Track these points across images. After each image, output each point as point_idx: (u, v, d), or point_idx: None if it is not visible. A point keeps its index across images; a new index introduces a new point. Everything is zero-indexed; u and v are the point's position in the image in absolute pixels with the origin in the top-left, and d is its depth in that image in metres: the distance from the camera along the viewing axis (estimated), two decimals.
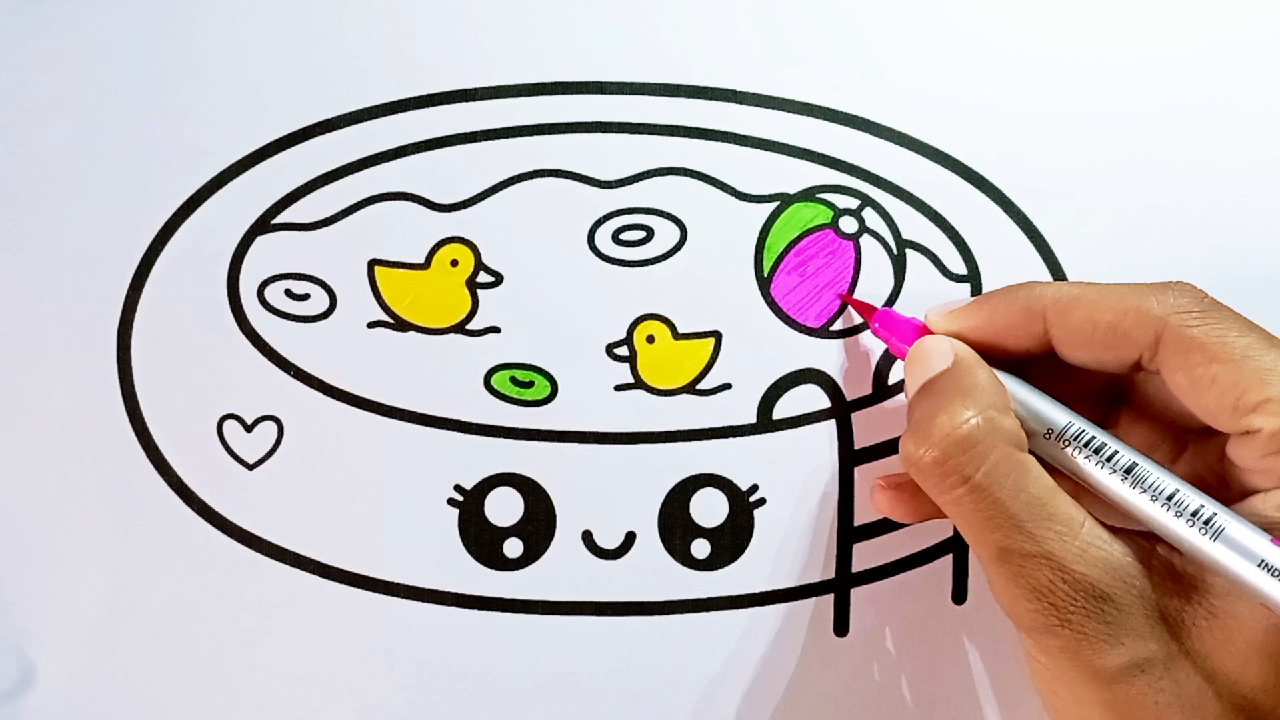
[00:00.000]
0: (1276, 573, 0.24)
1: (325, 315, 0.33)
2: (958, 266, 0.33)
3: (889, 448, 0.33)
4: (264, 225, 0.33)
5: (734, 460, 0.33)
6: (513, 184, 0.33)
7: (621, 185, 0.33)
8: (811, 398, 0.33)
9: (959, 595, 0.34)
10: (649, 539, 0.33)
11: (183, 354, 0.32)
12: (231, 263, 0.33)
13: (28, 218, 0.32)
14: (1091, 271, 0.34)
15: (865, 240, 0.33)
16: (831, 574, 0.33)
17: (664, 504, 0.33)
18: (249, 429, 0.32)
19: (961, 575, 0.34)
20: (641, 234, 0.33)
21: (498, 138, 0.33)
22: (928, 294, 0.33)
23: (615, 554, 0.33)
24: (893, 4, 0.33)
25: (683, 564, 0.33)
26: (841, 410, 0.33)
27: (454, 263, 0.33)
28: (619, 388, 0.33)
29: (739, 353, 0.33)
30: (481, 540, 0.33)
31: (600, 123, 0.33)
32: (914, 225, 0.33)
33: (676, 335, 0.33)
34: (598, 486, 0.33)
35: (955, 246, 0.33)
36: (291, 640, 0.32)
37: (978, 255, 0.33)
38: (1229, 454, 0.27)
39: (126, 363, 0.32)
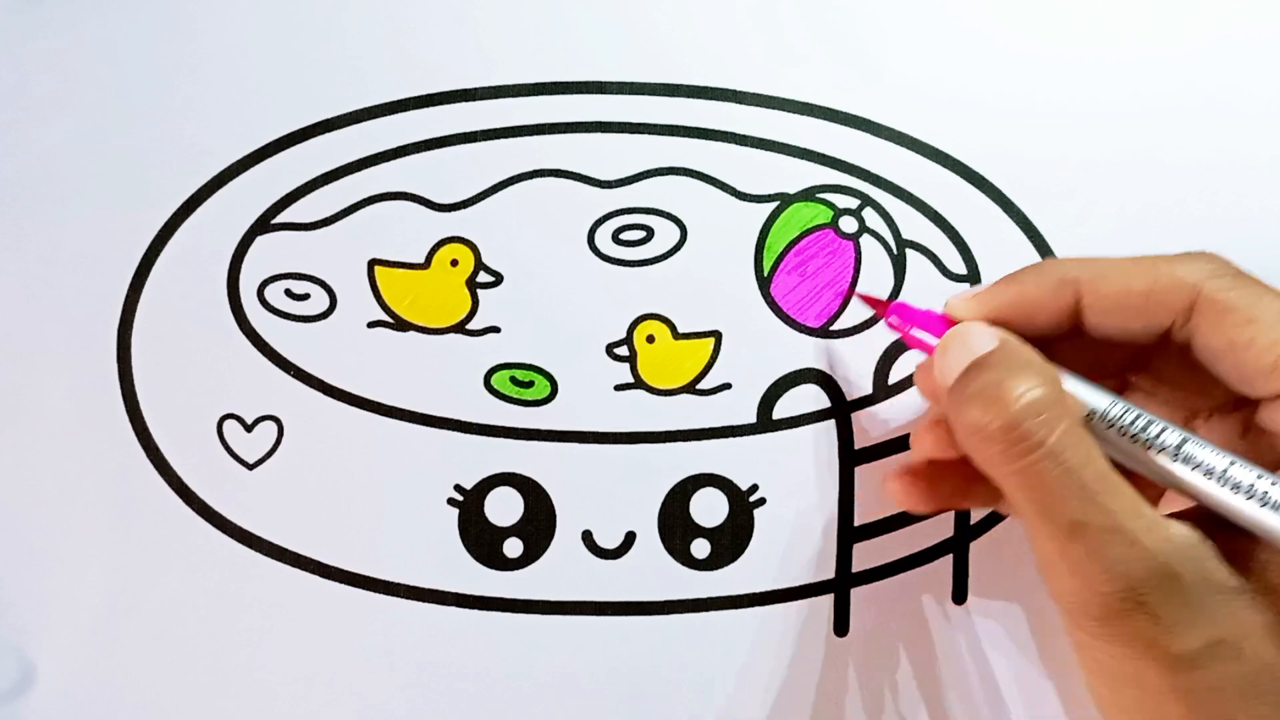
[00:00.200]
0: None
1: (325, 315, 0.33)
2: (958, 266, 0.33)
3: (889, 448, 0.33)
4: (264, 225, 0.33)
5: (734, 460, 0.33)
6: (513, 184, 0.33)
7: (621, 185, 0.33)
8: (811, 398, 0.33)
9: (959, 595, 0.34)
10: (649, 539, 0.33)
11: (183, 354, 0.32)
12: (231, 263, 0.33)
13: (28, 218, 0.32)
14: None
15: (865, 240, 0.33)
16: (831, 574, 0.33)
17: (664, 504, 0.33)
18: (249, 429, 0.32)
19: (961, 575, 0.34)
20: (641, 234, 0.33)
21: (498, 138, 0.33)
22: (928, 294, 0.33)
23: (615, 554, 0.33)
24: (893, 4, 0.33)
25: (683, 564, 0.33)
26: (841, 410, 0.33)
27: (454, 262, 0.33)
28: (619, 387, 0.33)
29: (739, 352, 0.33)
30: (481, 540, 0.33)
31: (600, 123, 0.33)
32: (914, 225, 0.33)
33: (676, 335, 0.33)
34: (598, 486, 0.33)
35: (955, 246, 0.33)
36: (291, 640, 0.32)
37: (978, 255, 0.33)
38: (1261, 420, 0.26)
39: (126, 363, 0.32)
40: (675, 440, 0.33)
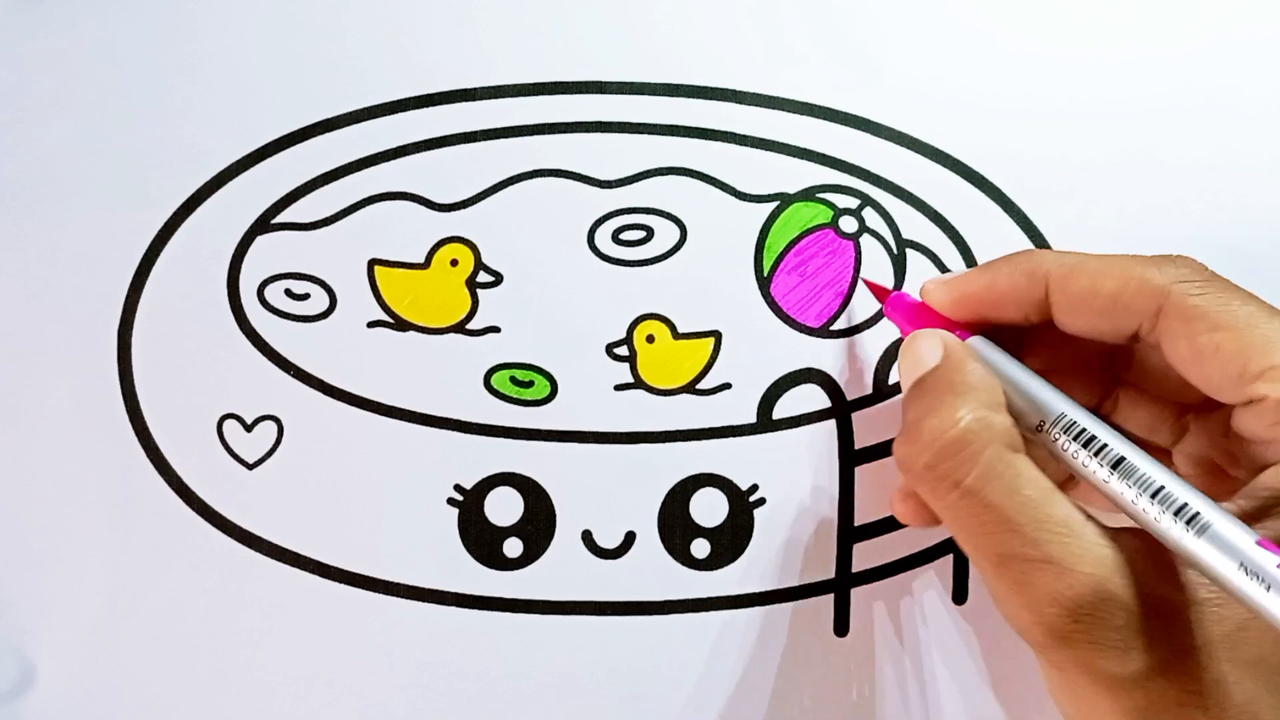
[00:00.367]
0: (1256, 575, 0.23)
1: (325, 315, 0.33)
2: (958, 266, 0.33)
3: (889, 448, 0.33)
4: (264, 225, 0.33)
5: (734, 460, 0.33)
6: (512, 184, 0.33)
7: (621, 185, 0.33)
8: (811, 398, 0.33)
9: (959, 595, 0.34)
10: (649, 539, 0.33)
11: (183, 354, 0.32)
12: (231, 263, 0.33)
13: (28, 218, 0.32)
14: None
15: (865, 240, 0.33)
16: (831, 574, 0.33)
17: (664, 504, 0.33)
18: (249, 429, 0.32)
19: (962, 575, 0.34)
20: (641, 234, 0.33)
21: (497, 137, 0.33)
22: None
23: (615, 554, 0.33)
24: (893, 4, 0.33)
25: (682, 564, 0.33)
26: (841, 410, 0.33)
27: (454, 262, 0.33)
28: (619, 387, 0.33)
29: (739, 352, 0.33)
30: (481, 540, 0.33)
31: (600, 122, 0.33)
32: (914, 225, 0.33)
33: (676, 335, 0.33)
34: (598, 486, 0.33)
35: (955, 246, 0.33)
36: (291, 640, 0.32)
37: (978, 255, 0.33)
38: (1235, 426, 0.26)
39: (126, 363, 0.32)
40: (675, 440, 0.33)
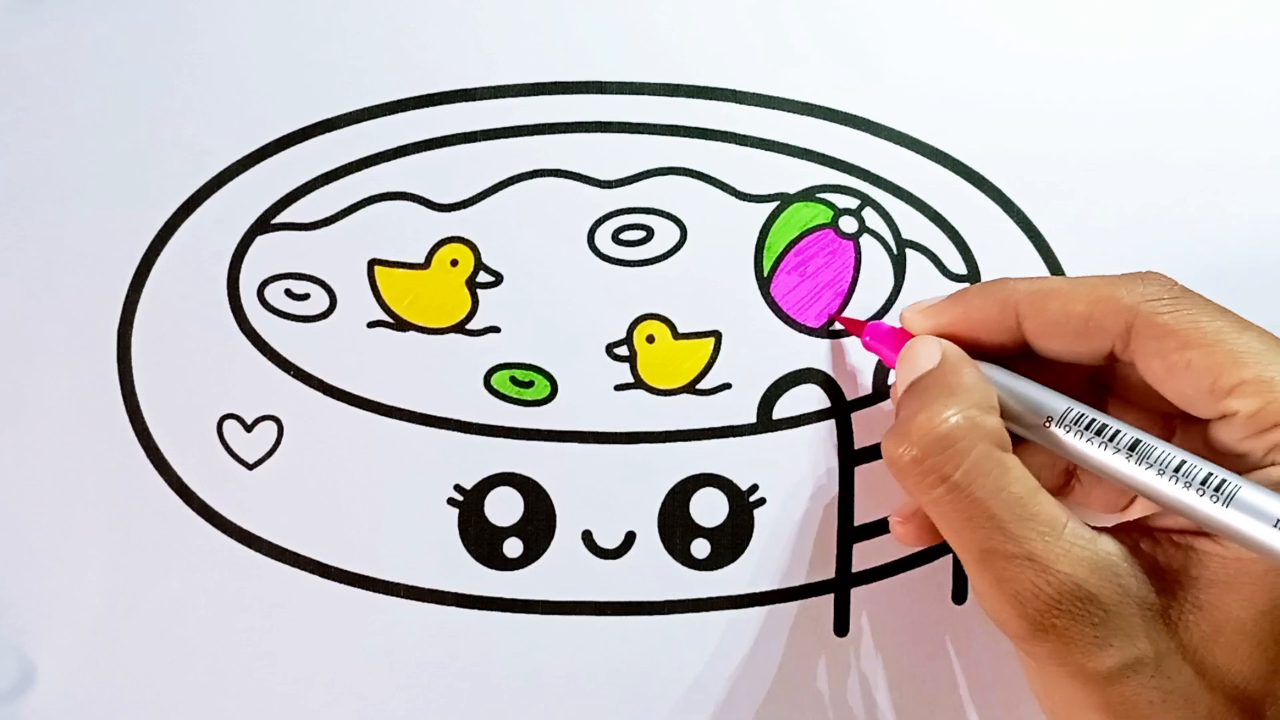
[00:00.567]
0: None
1: (325, 315, 0.33)
2: (958, 266, 0.33)
3: None
4: (264, 225, 0.33)
5: (734, 460, 0.33)
6: (512, 184, 0.33)
7: (621, 185, 0.33)
8: (811, 398, 0.33)
9: (959, 595, 0.34)
10: (649, 539, 0.33)
11: (183, 354, 0.32)
12: (231, 263, 0.33)
13: (28, 218, 0.32)
14: (1090, 270, 0.34)
15: (865, 240, 0.33)
16: (831, 574, 0.33)
17: (664, 504, 0.33)
18: (249, 429, 0.32)
19: (961, 575, 0.34)
20: (641, 234, 0.33)
21: (497, 137, 0.33)
22: (928, 294, 0.33)
23: (615, 554, 0.33)
24: (893, 4, 0.33)
25: (682, 564, 0.33)
26: (841, 410, 0.33)
27: (454, 262, 0.33)
28: (619, 387, 0.33)
29: (739, 352, 0.33)
30: (481, 540, 0.33)
31: (600, 123, 0.33)
32: (914, 225, 0.33)
33: (676, 335, 0.33)
34: (598, 486, 0.33)
35: (955, 246, 0.33)
36: (291, 640, 0.32)
37: (977, 255, 0.33)
38: (1211, 439, 0.26)
39: (126, 363, 0.32)
40: (675, 440, 0.33)
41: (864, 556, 0.33)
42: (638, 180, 0.33)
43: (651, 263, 0.33)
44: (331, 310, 0.33)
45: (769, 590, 0.33)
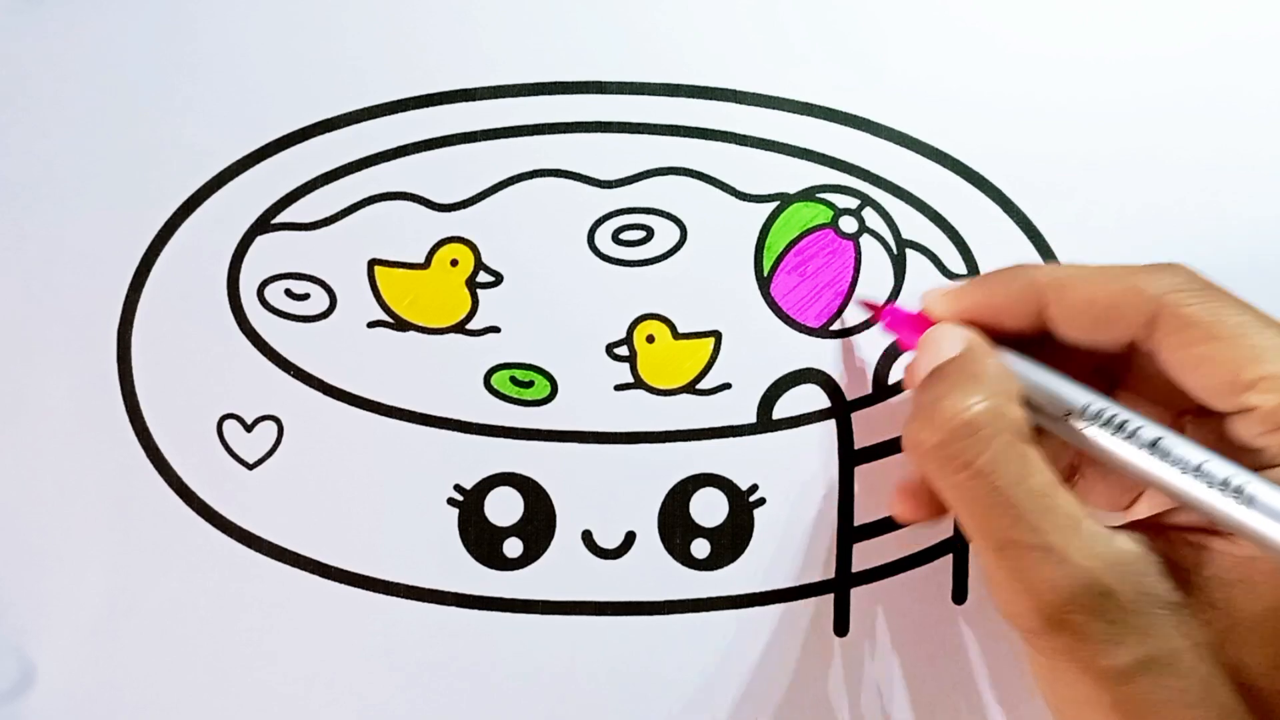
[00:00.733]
0: None
1: (325, 315, 0.33)
2: (958, 266, 0.33)
3: (889, 448, 0.33)
4: (264, 225, 0.33)
5: (734, 460, 0.33)
6: (512, 184, 0.33)
7: (621, 185, 0.33)
8: (811, 398, 0.33)
9: (959, 595, 0.34)
10: (649, 539, 0.33)
11: (183, 354, 0.32)
12: (231, 263, 0.33)
13: (28, 218, 0.32)
14: None
15: (865, 240, 0.33)
16: (831, 574, 0.33)
17: (664, 504, 0.33)
18: (249, 429, 0.32)
19: (961, 575, 0.33)
20: (641, 234, 0.33)
21: (497, 137, 0.33)
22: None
23: (615, 554, 0.33)
24: (893, 4, 0.33)
25: (682, 564, 0.33)
26: (841, 410, 0.33)
27: (454, 262, 0.33)
28: (619, 387, 0.33)
29: (739, 352, 0.33)
30: (481, 540, 0.33)
31: (600, 122, 0.33)
32: (914, 225, 0.33)
33: (676, 335, 0.33)
34: (597, 486, 0.33)
35: (955, 246, 0.33)
36: (291, 640, 0.32)
37: (977, 255, 0.33)
38: (1228, 433, 0.26)
39: (126, 363, 0.32)
40: (675, 440, 0.33)
41: (864, 556, 0.33)
42: (638, 180, 0.33)
43: (651, 263, 0.33)
44: (331, 310, 0.33)
45: (769, 590, 0.33)
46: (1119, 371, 0.30)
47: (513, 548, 0.33)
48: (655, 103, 0.33)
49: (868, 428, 0.33)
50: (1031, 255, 0.33)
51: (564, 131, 0.33)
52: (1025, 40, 0.34)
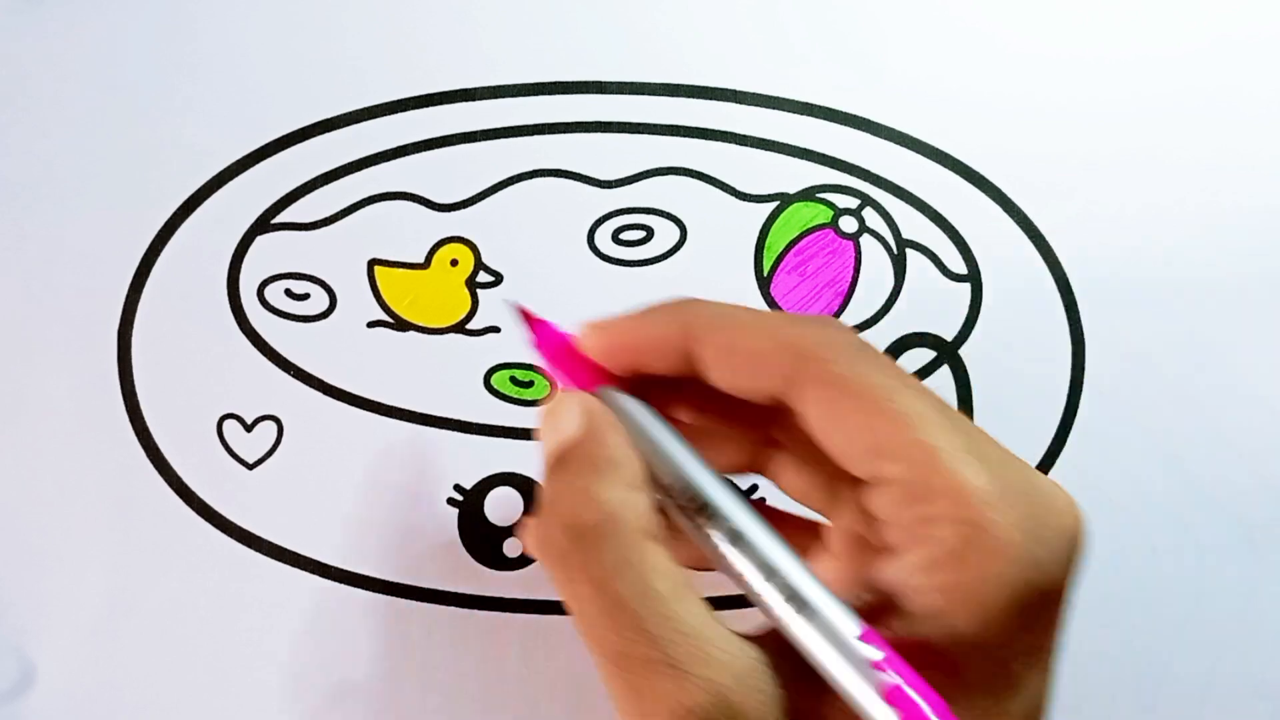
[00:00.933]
0: (854, 664, 0.21)
1: (325, 315, 0.33)
2: (958, 266, 0.33)
3: None
4: (264, 225, 0.33)
5: None
6: (512, 184, 0.33)
7: (621, 185, 0.33)
8: None
9: None
10: None
11: (183, 354, 0.32)
12: (231, 263, 0.33)
13: (28, 218, 0.32)
14: (1092, 270, 0.34)
15: (865, 240, 0.33)
16: None
17: None
18: (249, 429, 0.32)
19: None
20: (641, 234, 0.33)
21: (497, 137, 0.33)
22: (928, 293, 0.33)
23: None
24: (893, 4, 0.33)
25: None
26: None
27: (454, 262, 0.33)
28: None
29: None
30: (481, 540, 0.33)
31: (600, 123, 0.33)
32: (914, 225, 0.33)
33: None
34: None
35: (955, 246, 0.33)
36: (291, 640, 0.32)
37: (978, 254, 0.33)
38: (865, 505, 0.24)
39: (126, 363, 0.32)
40: None
41: None
42: (638, 180, 0.33)
43: (651, 263, 0.33)
44: (331, 310, 0.33)
45: None
46: (778, 425, 0.27)
47: (513, 548, 0.33)
48: (655, 103, 0.33)
49: None
50: (1032, 255, 0.33)
51: (564, 131, 0.33)
52: (1025, 40, 0.34)
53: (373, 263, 0.33)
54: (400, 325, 0.33)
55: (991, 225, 0.33)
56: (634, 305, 0.26)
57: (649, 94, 0.33)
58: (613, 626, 0.23)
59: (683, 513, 0.24)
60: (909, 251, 0.33)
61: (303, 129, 0.33)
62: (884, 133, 0.33)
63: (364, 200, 0.33)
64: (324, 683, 0.33)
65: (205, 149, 0.32)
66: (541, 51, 0.33)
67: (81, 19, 0.33)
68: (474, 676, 0.33)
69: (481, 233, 0.33)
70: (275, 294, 0.33)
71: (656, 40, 0.33)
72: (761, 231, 0.33)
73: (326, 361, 0.33)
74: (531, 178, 0.33)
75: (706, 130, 0.33)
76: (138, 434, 0.32)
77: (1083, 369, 0.34)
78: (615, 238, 0.33)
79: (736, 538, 0.23)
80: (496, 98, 0.33)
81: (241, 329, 0.32)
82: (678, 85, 0.33)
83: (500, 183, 0.33)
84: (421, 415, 0.33)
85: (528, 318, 0.27)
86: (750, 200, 0.33)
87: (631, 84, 0.33)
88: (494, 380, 0.33)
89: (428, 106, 0.33)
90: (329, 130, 0.33)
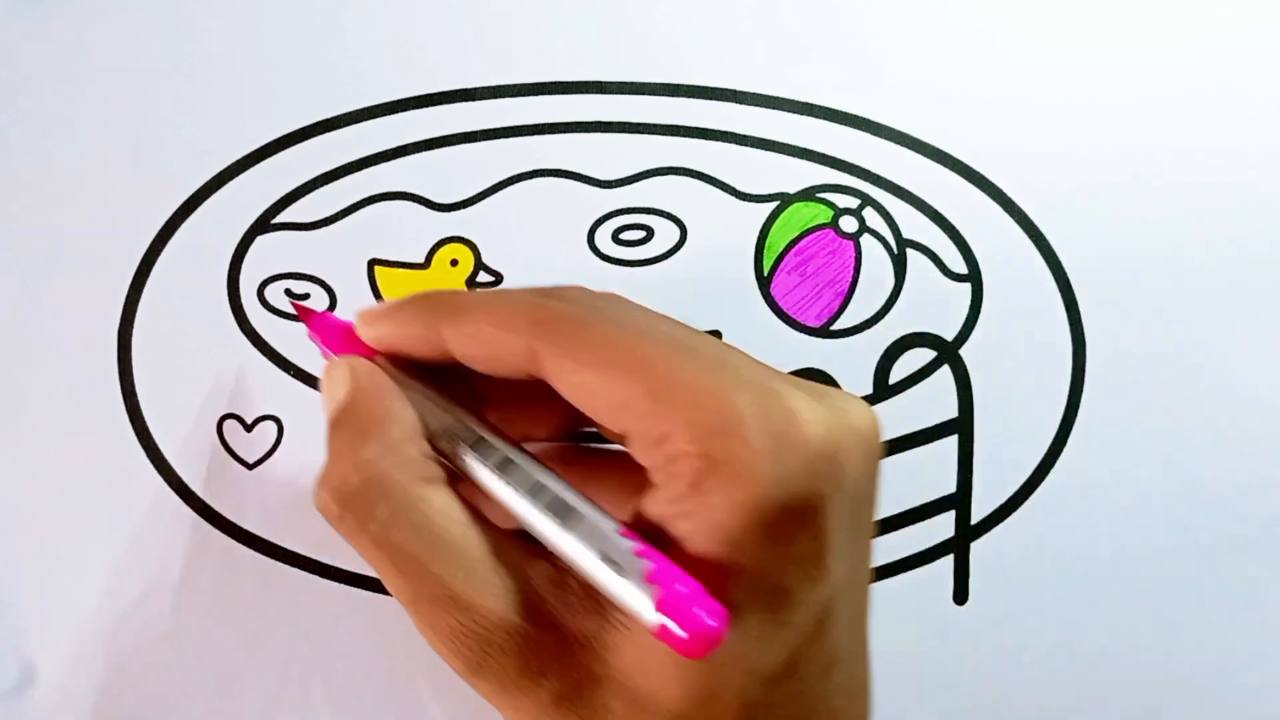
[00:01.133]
0: (615, 562, 0.22)
1: None
2: (958, 265, 0.33)
3: (889, 448, 0.33)
4: (264, 225, 0.33)
5: None
6: (512, 184, 0.33)
7: (621, 185, 0.33)
8: None
9: (959, 595, 0.33)
10: None
11: (183, 354, 0.32)
12: (231, 263, 0.33)
13: (28, 218, 0.32)
14: (1092, 269, 0.34)
15: (865, 240, 0.33)
16: None
17: None
18: (249, 429, 0.32)
19: (962, 575, 0.33)
20: (641, 234, 0.33)
21: (497, 137, 0.33)
22: (928, 293, 0.33)
23: None
24: (893, 4, 0.33)
25: None
26: None
27: (454, 262, 0.33)
28: None
29: None
30: None
31: (600, 123, 0.33)
32: (914, 224, 0.33)
33: None
34: None
35: (956, 245, 0.33)
36: (291, 640, 0.32)
37: (978, 254, 0.33)
38: (630, 453, 0.24)
39: (126, 363, 0.32)
40: None
41: None
42: (638, 180, 0.33)
43: (651, 263, 0.33)
44: (331, 310, 0.33)
45: None
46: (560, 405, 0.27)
47: None
48: (655, 103, 0.33)
49: None
50: (1032, 254, 0.33)
51: (564, 131, 0.33)
52: (1025, 40, 0.34)
53: (373, 263, 0.33)
54: None
55: (992, 225, 0.33)
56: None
57: (649, 94, 0.33)
58: (400, 573, 0.24)
59: (458, 454, 0.25)
60: (909, 251, 0.33)
61: (303, 129, 0.33)
62: (884, 133, 0.33)
63: (364, 200, 0.33)
64: (324, 683, 0.33)
65: (205, 149, 0.32)
66: (541, 51, 0.33)
67: (81, 19, 0.33)
68: None
69: (481, 233, 0.33)
70: (275, 294, 0.33)
71: (656, 40, 0.33)
72: (761, 231, 0.33)
73: None
74: (531, 178, 0.33)
75: (706, 130, 0.33)
76: (138, 434, 0.32)
77: (1083, 369, 0.34)
78: (615, 238, 0.33)
79: (504, 465, 0.25)
80: (496, 98, 0.33)
81: (241, 329, 0.32)
82: (678, 85, 0.33)
83: (500, 183, 0.33)
84: None
85: (302, 311, 0.29)
86: (750, 200, 0.33)
87: (631, 84, 0.33)
88: None
89: (428, 106, 0.33)
90: (329, 130, 0.33)
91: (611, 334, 0.24)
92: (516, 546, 0.25)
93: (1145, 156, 0.34)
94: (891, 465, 0.33)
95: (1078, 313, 0.34)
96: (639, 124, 0.33)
